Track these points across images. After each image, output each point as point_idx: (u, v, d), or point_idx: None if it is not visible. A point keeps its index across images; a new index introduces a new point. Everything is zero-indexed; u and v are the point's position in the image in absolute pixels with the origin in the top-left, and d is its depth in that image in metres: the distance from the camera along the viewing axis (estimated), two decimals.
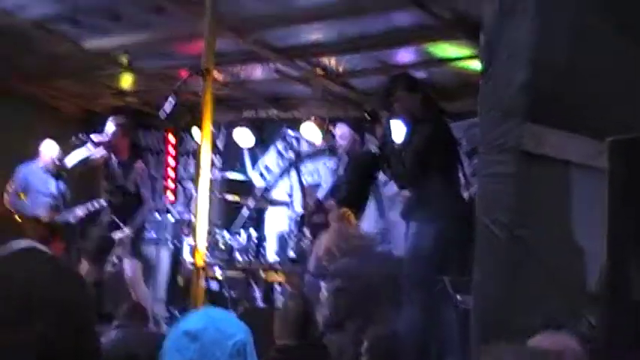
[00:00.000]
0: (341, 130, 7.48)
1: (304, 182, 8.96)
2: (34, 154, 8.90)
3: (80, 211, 8.65)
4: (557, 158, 3.74)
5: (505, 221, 3.64)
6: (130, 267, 7.76)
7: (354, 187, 7.08)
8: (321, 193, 8.11)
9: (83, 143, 7.52)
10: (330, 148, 8.65)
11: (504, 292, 3.65)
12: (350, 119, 8.33)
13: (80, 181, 8.72)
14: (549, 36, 3.77)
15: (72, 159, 7.77)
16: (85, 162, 7.63)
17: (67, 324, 1.27)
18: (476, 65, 6.22)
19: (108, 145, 7.54)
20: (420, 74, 7.72)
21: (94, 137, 7.49)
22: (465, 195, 6.57)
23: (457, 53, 7.39)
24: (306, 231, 7.76)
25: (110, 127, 7.52)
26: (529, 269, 3.65)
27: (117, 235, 7.65)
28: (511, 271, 3.64)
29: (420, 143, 5.78)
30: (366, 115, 6.30)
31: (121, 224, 7.69)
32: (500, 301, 3.61)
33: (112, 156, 7.64)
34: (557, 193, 3.78)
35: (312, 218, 7.48)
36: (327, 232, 6.16)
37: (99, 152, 7.60)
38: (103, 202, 8.60)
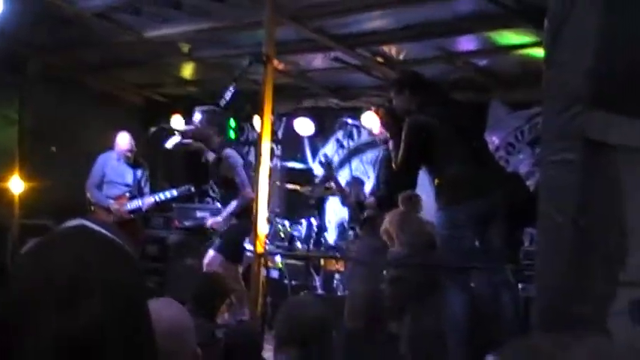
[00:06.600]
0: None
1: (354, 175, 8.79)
2: (100, 145, 8.98)
3: (152, 199, 8.57)
4: (623, 145, 3.65)
5: (569, 210, 3.56)
6: (210, 259, 7.26)
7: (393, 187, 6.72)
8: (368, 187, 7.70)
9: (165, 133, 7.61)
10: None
11: (568, 281, 3.57)
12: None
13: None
14: (617, 20, 3.67)
15: (170, 143, 7.75)
16: (180, 145, 7.65)
17: (116, 306, 1.21)
18: (539, 53, 6.12)
19: (196, 136, 7.56)
20: (483, 62, 7.63)
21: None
22: (529, 183, 6.47)
23: (520, 40, 7.28)
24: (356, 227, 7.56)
25: (197, 116, 7.52)
26: (592, 259, 3.57)
27: (210, 222, 7.53)
28: (575, 261, 3.56)
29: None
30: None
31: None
32: (564, 291, 3.53)
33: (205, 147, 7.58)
34: (621, 180, 3.68)
35: (360, 215, 7.19)
36: (392, 213, 6.07)
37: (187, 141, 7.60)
38: (191, 188, 8.57)
